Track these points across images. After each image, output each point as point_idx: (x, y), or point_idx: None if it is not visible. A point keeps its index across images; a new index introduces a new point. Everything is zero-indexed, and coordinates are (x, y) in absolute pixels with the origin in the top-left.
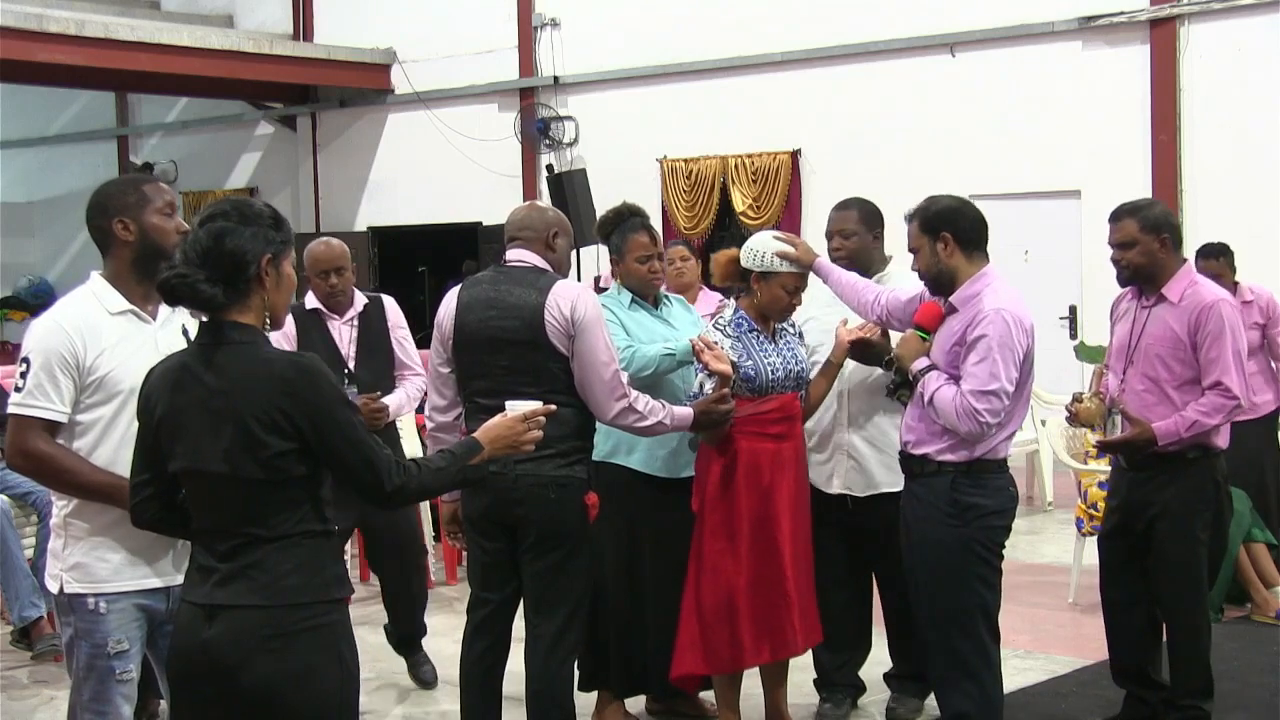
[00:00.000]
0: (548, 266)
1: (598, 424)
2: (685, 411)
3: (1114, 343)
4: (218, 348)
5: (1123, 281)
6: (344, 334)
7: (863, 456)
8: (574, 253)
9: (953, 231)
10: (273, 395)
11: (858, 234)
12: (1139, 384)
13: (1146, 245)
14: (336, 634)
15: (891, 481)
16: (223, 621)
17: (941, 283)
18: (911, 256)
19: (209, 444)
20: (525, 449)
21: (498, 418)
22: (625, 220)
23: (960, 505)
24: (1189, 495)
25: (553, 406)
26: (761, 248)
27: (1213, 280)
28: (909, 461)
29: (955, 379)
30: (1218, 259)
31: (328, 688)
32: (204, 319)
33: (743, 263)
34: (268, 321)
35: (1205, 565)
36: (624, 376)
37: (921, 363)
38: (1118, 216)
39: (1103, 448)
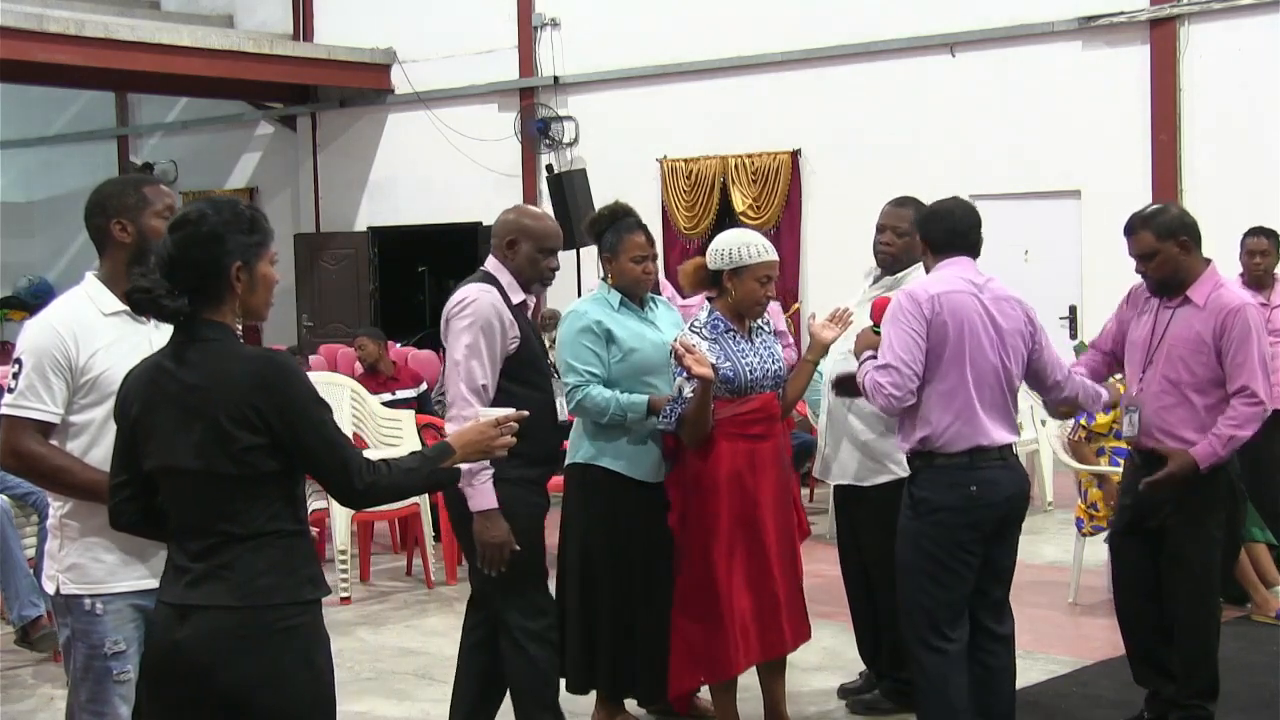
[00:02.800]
0: (505, 271)
1: (580, 427)
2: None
3: (1132, 340)
4: (190, 345)
5: (1153, 290)
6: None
7: (827, 445)
8: (574, 253)
9: (922, 236)
10: (245, 391)
11: (910, 235)
12: (1157, 385)
13: (1167, 252)
14: (306, 636)
15: (853, 474)
16: (195, 622)
17: None
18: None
19: (181, 440)
20: (497, 454)
21: (471, 422)
22: (619, 219)
23: (914, 498)
24: (1205, 494)
25: (525, 412)
26: (726, 246)
27: (1262, 259)
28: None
29: None
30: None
31: (297, 691)
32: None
33: (711, 266)
34: (239, 321)
35: (1219, 565)
36: (461, 389)
37: (865, 354)
38: (1132, 229)
39: (1150, 488)
